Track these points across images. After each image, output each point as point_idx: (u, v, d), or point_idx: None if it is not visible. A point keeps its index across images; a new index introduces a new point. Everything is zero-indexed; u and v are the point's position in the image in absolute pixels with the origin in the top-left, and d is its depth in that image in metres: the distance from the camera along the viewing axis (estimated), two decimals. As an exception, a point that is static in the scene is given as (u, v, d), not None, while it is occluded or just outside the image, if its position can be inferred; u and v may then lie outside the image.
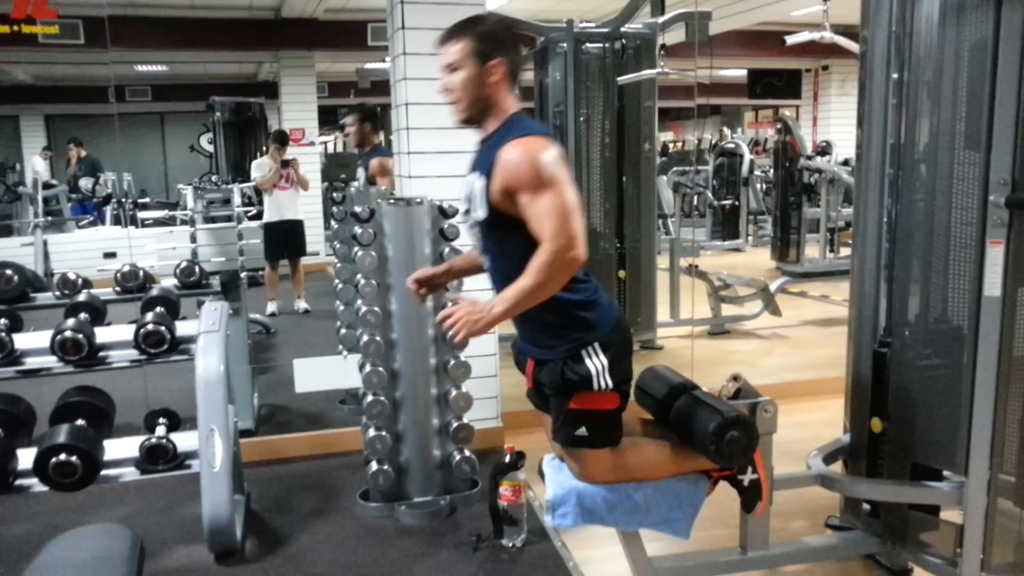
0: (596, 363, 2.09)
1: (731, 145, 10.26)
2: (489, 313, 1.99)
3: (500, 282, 2.12)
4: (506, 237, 2.06)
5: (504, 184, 1.99)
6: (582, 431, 2.14)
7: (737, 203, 9.89)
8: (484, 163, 2.05)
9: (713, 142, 13.43)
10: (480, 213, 2.08)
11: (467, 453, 3.16)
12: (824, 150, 8.67)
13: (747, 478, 2.33)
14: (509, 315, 2.02)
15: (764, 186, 10.34)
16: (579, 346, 2.10)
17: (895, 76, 2.42)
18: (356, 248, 3.06)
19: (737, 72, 12.67)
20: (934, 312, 2.38)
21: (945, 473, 2.43)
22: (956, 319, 2.33)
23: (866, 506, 2.61)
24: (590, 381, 2.09)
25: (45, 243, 8.07)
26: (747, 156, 9.88)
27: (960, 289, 2.30)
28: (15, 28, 4.00)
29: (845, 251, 8.34)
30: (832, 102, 11.62)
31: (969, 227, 2.26)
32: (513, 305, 1.99)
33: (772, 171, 9.01)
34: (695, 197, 10.32)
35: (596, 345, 2.10)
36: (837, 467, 2.69)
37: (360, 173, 5.05)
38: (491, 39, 2.07)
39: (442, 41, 2.11)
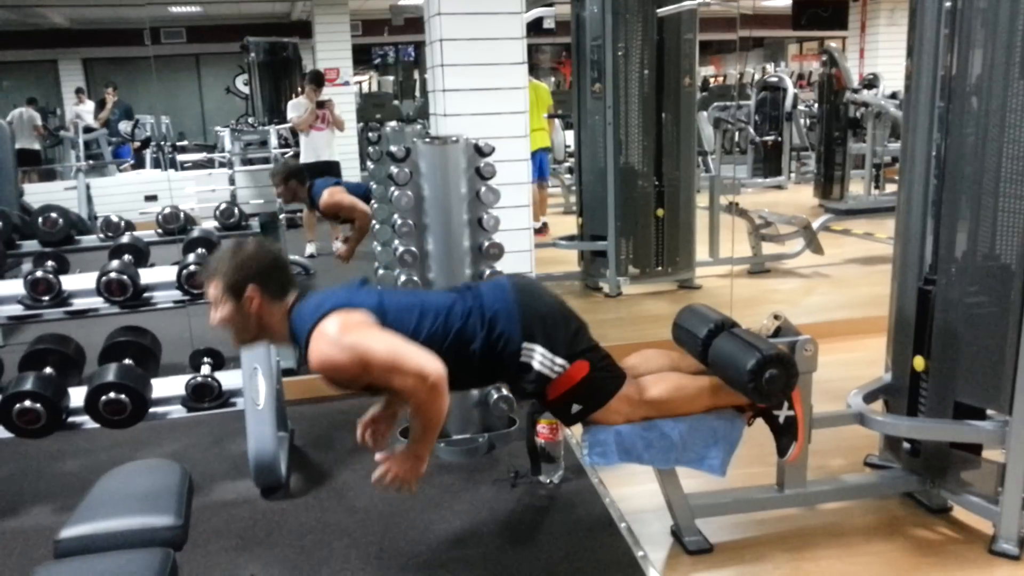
0: (537, 357, 2.14)
1: (774, 79, 9.96)
2: (416, 459, 2.08)
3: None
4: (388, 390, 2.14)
5: (339, 383, 2.06)
6: (576, 408, 2.21)
7: (780, 139, 9.64)
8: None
9: (755, 76, 13.05)
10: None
11: (504, 392, 3.19)
12: (871, 83, 8.39)
13: (783, 414, 2.33)
14: (430, 448, 2.11)
15: (808, 121, 10.05)
16: (514, 359, 2.15)
17: (948, 4, 2.31)
18: (392, 188, 3.06)
19: (781, 2, 12.21)
20: (982, 249, 2.31)
21: (988, 412, 2.39)
22: (1005, 256, 2.26)
23: (906, 445, 2.59)
24: (543, 373, 2.15)
25: (88, 187, 8.20)
26: (791, 90, 9.60)
27: (1010, 226, 2.23)
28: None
29: (890, 188, 8.13)
30: (880, 33, 11.18)
31: (1020, 162, 2.18)
32: (427, 443, 2.08)
33: (816, 106, 8.75)
34: (736, 133, 10.09)
35: (523, 344, 2.14)
36: (877, 406, 2.67)
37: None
38: (237, 272, 2.09)
39: (199, 281, 2.23)
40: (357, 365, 1.97)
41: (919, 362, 2.47)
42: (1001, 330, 2.26)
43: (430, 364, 1.96)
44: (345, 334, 1.99)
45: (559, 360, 2.14)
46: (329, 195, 4.96)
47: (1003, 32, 2.18)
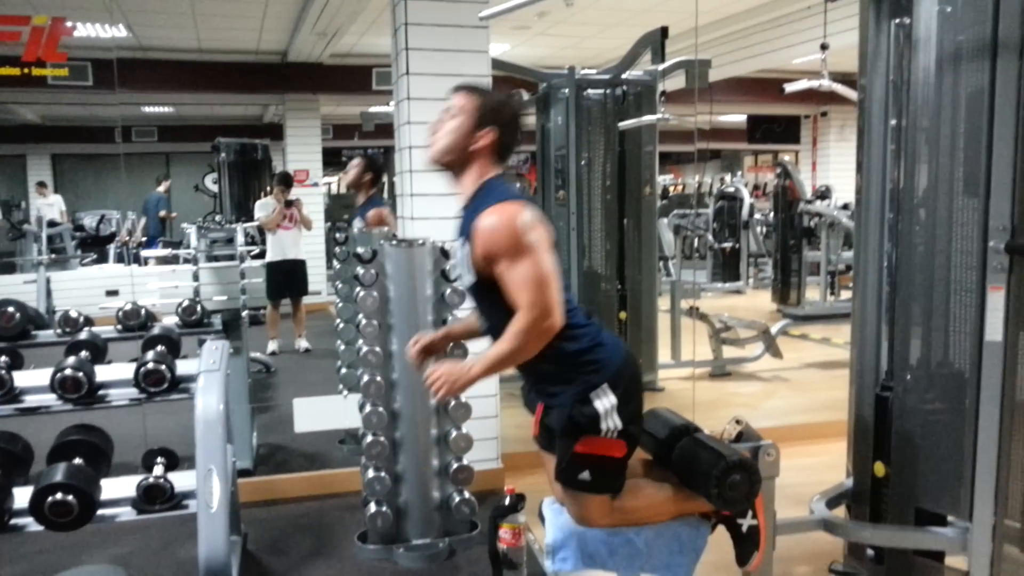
0: (605, 403, 2.11)
1: (731, 189, 10.33)
2: (468, 373, 2.06)
3: (496, 339, 2.13)
4: (497, 299, 2.08)
5: (483, 252, 2.04)
6: (585, 475, 2.14)
7: (737, 246, 9.93)
8: (465, 230, 2.11)
9: (713, 186, 13.54)
10: (468, 279, 2.14)
11: (467, 495, 3.13)
12: (823, 194, 8.74)
13: (746, 523, 2.31)
14: (487, 374, 2.09)
15: (764, 229, 10.39)
16: (587, 389, 2.11)
17: (893, 123, 2.46)
18: (358, 288, 3.07)
19: (737, 118, 12.83)
20: (936, 356, 2.38)
21: (950, 518, 2.41)
22: (958, 363, 2.32)
23: (870, 551, 2.58)
24: (598, 422, 2.10)
25: (48, 280, 8.09)
26: (747, 200, 9.95)
27: (962, 333, 2.30)
28: (25, 71, 4.07)
29: (845, 294, 8.36)
30: (831, 147, 11.76)
31: (970, 272, 2.27)
32: (491, 366, 2.07)
33: (772, 215, 9.07)
34: (695, 240, 10.38)
35: (604, 386, 2.12)
36: (840, 511, 2.67)
37: (357, 223, 5.08)
38: (495, 110, 2.14)
39: (454, 90, 2.19)
40: (521, 249, 1.97)
41: (879, 468, 2.50)
42: (958, 437, 2.31)
43: (560, 310, 1.99)
44: (533, 226, 2.01)
45: (618, 422, 2.10)
46: (377, 213, 4.95)
47: (946, 150, 2.31)
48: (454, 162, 2.16)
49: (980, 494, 2.25)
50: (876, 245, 2.54)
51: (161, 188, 11.70)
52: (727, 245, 9.93)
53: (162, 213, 11.42)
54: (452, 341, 2.52)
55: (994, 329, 2.23)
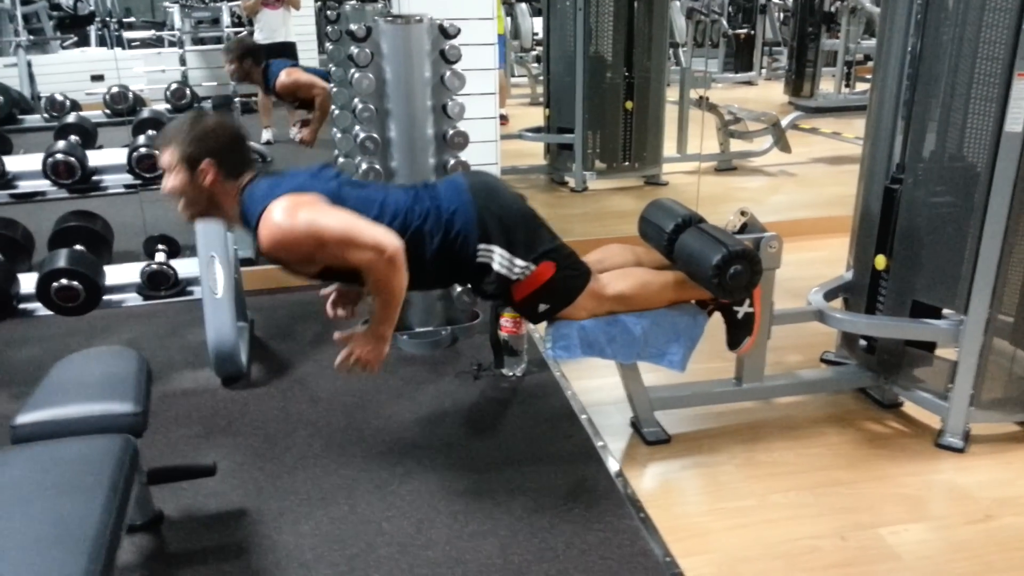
0: (495, 259, 2.11)
1: (749, -32, 9.66)
2: (379, 340, 2.07)
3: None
4: (343, 275, 2.10)
5: (292, 262, 2.03)
6: (543, 307, 2.20)
7: (752, 32, 9.46)
8: (264, 257, 2.04)
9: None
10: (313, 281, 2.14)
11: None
12: (848, -25, 8.18)
13: (742, 311, 2.35)
14: (391, 328, 2.08)
15: (782, 15, 9.85)
16: (471, 260, 2.11)
17: None
18: (352, 70, 2.92)
19: None
20: (950, 149, 2.31)
21: (944, 312, 2.44)
22: (972, 157, 2.25)
23: (862, 342, 2.64)
24: (507, 279, 2.12)
25: (29, 63, 7.75)
26: (766, -19, 9.34)
27: (980, 127, 2.22)
28: None
29: (861, 87, 8.07)
30: (861, -78, 10.85)
31: (995, 62, 2.14)
32: (390, 321, 2.06)
33: (791, -2, 8.55)
34: (709, 25, 9.85)
35: (479, 245, 2.11)
36: (837, 304, 2.71)
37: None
38: (198, 142, 2.01)
39: (155, 147, 2.10)
40: (310, 240, 1.94)
41: (880, 261, 2.49)
42: (963, 232, 2.28)
43: (387, 237, 1.95)
44: (297, 211, 1.95)
45: (519, 262, 2.12)
46: (287, 74, 4.74)
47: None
48: (205, 210, 2.09)
49: (978, 287, 2.26)
50: (902, 30, 2.38)
51: None
52: (742, 31, 9.45)
53: None
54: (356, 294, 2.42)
55: (1015, 119, 2.14)
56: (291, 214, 1.94)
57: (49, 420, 1.77)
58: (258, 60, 5.03)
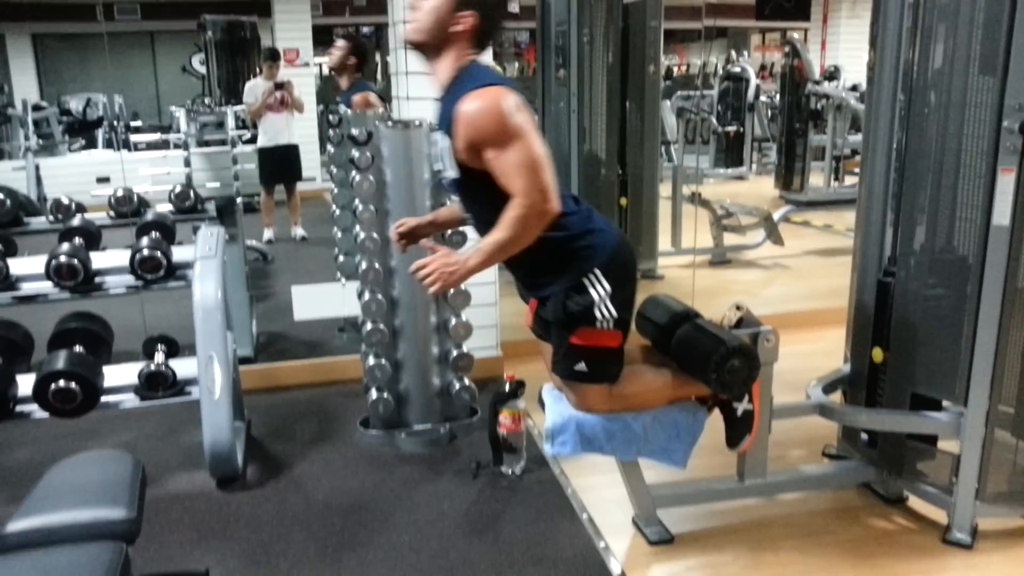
0: (598, 290, 2.08)
1: (737, 69, 10.02)
2: (464, 265, 1.99)
3: (484, 232, 2.07)
4: (481, 191, 2.01)
5: (467, 141, 1.94)
6: (581, 366, 2.14)
7: (742, 129, 9.72)
8: (445, 120, 2.00)
9: (719, 66, 13.13)
10: (452, 173, 2.04)
11: (467, 382, 3.16)
12: (832, 75, 8.48)
13: (741, 408, 2.33)
14: (484, 267, 2.02)
15: (770, 112, 10.14)
16: (579, 275, 2.08)
17: (910, -2, 2.33)
18: (354, 172, 3.00)
19: (744, -7, 12.29)
20: (940, 242, 2.34)
21: (944, 403, 2.43)
22: (962, 249, 2.29)
23: (864, 436, 2.62)
24: (592, 311, 2.07)
25: (37, 167, 7.95)
26: (753, 80, 9.67)
27: (968, 219, 2.26)
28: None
29: (850, 180, 8.25)
30: (842, 25, 11.31)
31: (980, 155, 2.20)
32: (488, 257, 1.99)
33: (778, 97, 8.82)
34: (699, 123, 10.15)
35: (596, 272, 2.08)
36: (836, 397, 2.70)
37: (342, 109, 4.89)
38: None
39: None
40: (509, 135, 1.89)
41: (877, 353, 2.50)
42: (958, 322, 2.30)
43: (556, 194, 1.94)
44: (518, 109, 1.92)
45: (612, 310, 2.08)
46: (363, 97, 4.78)
47: (964, 26, 2.20)
48: (430, 44, 2.03)
49: (977, 379, 2.26)
50: (886, 126, 2.46)
51: None
52: (731, 129, 9.72)
53: None
54: (438, 228, 2.44)
55: (1002, 213, 2.18)
56: (511, 104, 1.91)
57: (40, 528, 1.73)
58: (361, 67, 5.08)
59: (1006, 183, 2.17)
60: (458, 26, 1.99)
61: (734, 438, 2.37)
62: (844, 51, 11.03)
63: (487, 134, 1.91)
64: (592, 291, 2.08)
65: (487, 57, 2.11)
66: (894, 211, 2.46)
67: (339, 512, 2.61)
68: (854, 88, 7.86)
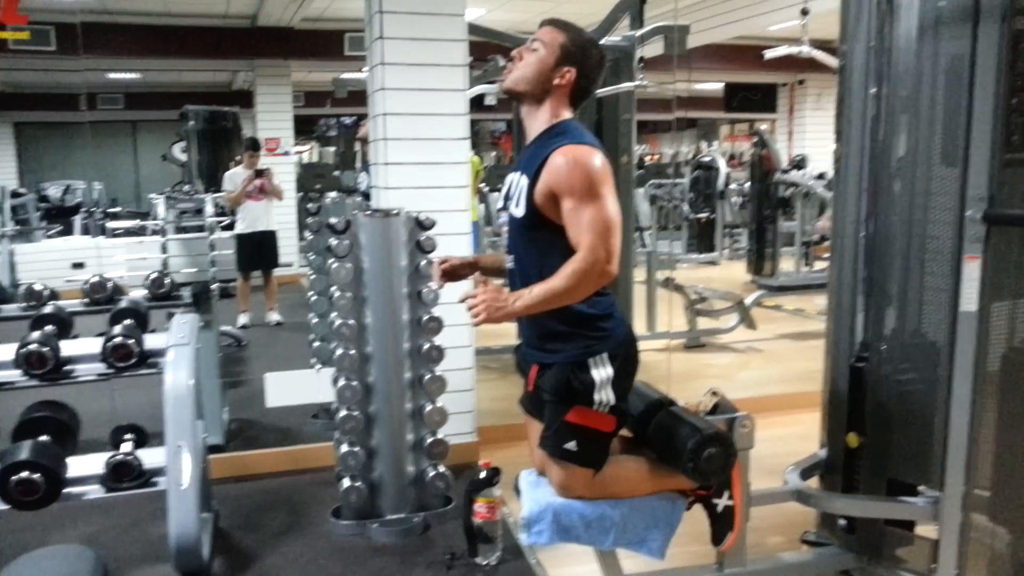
0: (602, 372, 2.10)
1: (707, 159, 10.32)
2: (511, 304, 2.02)
3: (520, 282, 2.13)
4: (539, 238, 2.09)
5: (550, 187, 2.02)
6: (571, 445, 2.13)
7: (713, 216, 9.94)
8: (531, 163, 2.08)
9: (689, 155, 13.53)
10: (519, 211, 2.11)
11: (441, 469, 3.11)
12: (799, 164, 8.74)
13: (722, 503, 2.31)
14: (530, 311, 2.04)
15: (740, 199, 10.39)
16: (587, 354, 2.10)
17: (873, 91, 2.43)
18: (331, 260, 3.02)
19: (714, 85, 12.78)
20: (910, 327, 2.38)
21: (920, 488, 2.42)
22: (932, 334, 2.32)
23: (842, 521, 2.59)
24: (592, 391, 2.09)
25: (12, 253, 7.92)
26: (723, 169, 9.95)
27: (936, 304, 2.30)
28: (-15, 34, 3.93)
29: (820, 265, 8.40)
30: (807, 116, 11.76)
31: (946, 242, 2.26)
32: (537, 303, 2.02)
33: (748, 184, 9.06)
34: (671, 210, 10.37)
35: (604, 355, 2.11)
36: (814, 482, 2.68)
37: (363, 177, 4.92)
38: (581, 50, 2.11)
39: (542, 23, 2.16)
40: (593, 192, 1.98)
41: (852, 439, 2.50)
42: (930, 407, 2.31)
43: (617, 262, 2.00)
44: (605, 173, 2.01)
45: (611, 395, 2.10)
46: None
47: (925, 118, 2.29)
48: (529, 94, 2.12)
49: (951, 464, 2.26)
50: (854, 214, 2.53)
51: None
52: (703, 215, 9.94)
53: None
54: (477, 271, 2.44)
55: (969, 300, 2.23)
56: (604, 167, 2.01)
57: (-7, 629, 1.66)
58: None
59: (971, 270, 2.22)
60: (558, 80, 2.09)
61: (717, 535, 2.33)
62: (811, 140, 11.44)
63: (574, 186, 1.99)
64: (595, 372, 2.09)
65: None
66: (864, 295, 2.50)
67: (309, 608, 2.52)
68: (821, 176, 8.09)
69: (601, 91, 5.02)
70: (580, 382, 2.09)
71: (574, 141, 2.04)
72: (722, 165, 10.02)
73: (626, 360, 2.16)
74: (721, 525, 2.31)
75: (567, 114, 2.14)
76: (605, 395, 2.09)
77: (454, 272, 2.36)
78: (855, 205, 2.52)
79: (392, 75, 3.49)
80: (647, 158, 17.10)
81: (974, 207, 2.18)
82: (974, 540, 2.30)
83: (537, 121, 2.14)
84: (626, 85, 4.98)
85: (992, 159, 2.16)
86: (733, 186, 10.27)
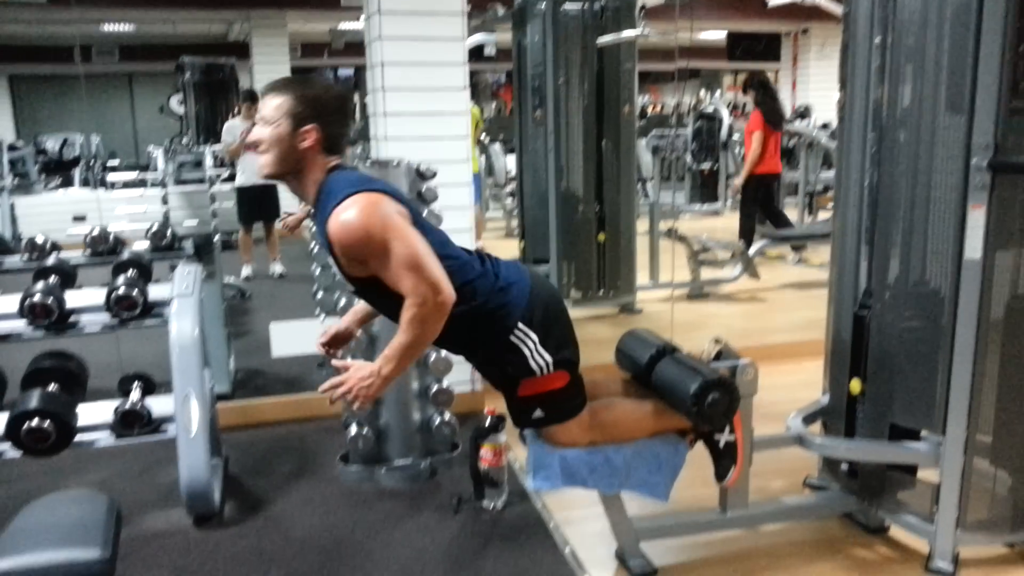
0: (527, 343, 2.10)
1: (710, 109, 10.21)
2: (379, 376, 1.96)
3: (394, 317, 2.05)
4: (374, 287, 2.00)
5: (346, 257, 1.95)
6: (538, 413, 2.17)
7: (716, 167, 9.87)
8: (323, 239, 2.00)
9: (692, 105, 13.38)
10: (348, 283, 2.08)
11: (447, 416, 3.15)
12: (803, 114, 8.67)
13: (723, 439, 2.34)
14: (399, 372, 1.99)
15: (742, 149, 10.32)
16: (506, 335, 2.10)
17: (878, 40, 2.39)
18: (333, 210, 3.00)
19: (716, 35, 12.58)
20: (914, 276, 2.38)
21: (923, 433, 2.45)
22: (936, 282, 2.33)
23: (844, 466, 2.64)
24: (527, 363, 2.11)
25: (12, 206, 7.89)
26: (726, 120, 9.84)
27: (940, 253, 2.30)
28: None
29: (823, 215, 8.38)
30: (811, 66, 11.62)
31: (950, 190, 2.25)
32: (399, 363, 1.97)
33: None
34: (674, 160, 10.30)
35: (520, 325, 2.10)
36: (816, 428, 2.72)
37: None
38: (311, 104, 1.97)
39: (263, 93, 2.04)
40: (378, 246, 1.88)
41: (855, 385, 2.52)
42: (933, 353, 2.33)
43: (447, 283, 1.92)
44: (379, 213, 1.90)
45: (546, 355, 2.11)
46: None
47: (931, 66, 2.26)
48: (286, 171, 2.00)
49: (954, 409, 2.29)
50: (858, 164, 2.51)
51: None
52: (705, 166, 9.87)
53: None
54: (362, 324, 2.40)
55: (973, 247, 2.23)
56: (373, 213, 1.89)
57: (12, 570, 1.69)
58: None
59: (976, 218, 2.21)
60: (304, 142, 1.97)
61: (721, 471, 2.37)
62: (814, 90, 11.31)
63: (362, 249, 1.90)
64: (522, 346, 2.10)
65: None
66: (868, 245, 2.50)
67: (318, 550, 2.58)
68: (825, 126, 8.03)
69: (603, 40, 4.96)
70: (512, 364, 2.12)
71: (337, 200, 1.91)
72: (725, 115, 9.92)
73: (544, 312, 2.14)
74: (725, 460, 2.35)
75: (327, 167, 2.01)
76: (540, 359, 2.11)
77: (338, 339, 2.32)
78: (859, 154, 2.50)
79: (390, 23, 3.44)
80: (649, 108, 16.92)
81: (979, 155, 2.17)
82: (975, 483, 2.33)
83: (307, 190, 2.03)
84: (627, 34, 4.90)
85: (998, 107, 2.14)
86: (736, 136, 10.18)
